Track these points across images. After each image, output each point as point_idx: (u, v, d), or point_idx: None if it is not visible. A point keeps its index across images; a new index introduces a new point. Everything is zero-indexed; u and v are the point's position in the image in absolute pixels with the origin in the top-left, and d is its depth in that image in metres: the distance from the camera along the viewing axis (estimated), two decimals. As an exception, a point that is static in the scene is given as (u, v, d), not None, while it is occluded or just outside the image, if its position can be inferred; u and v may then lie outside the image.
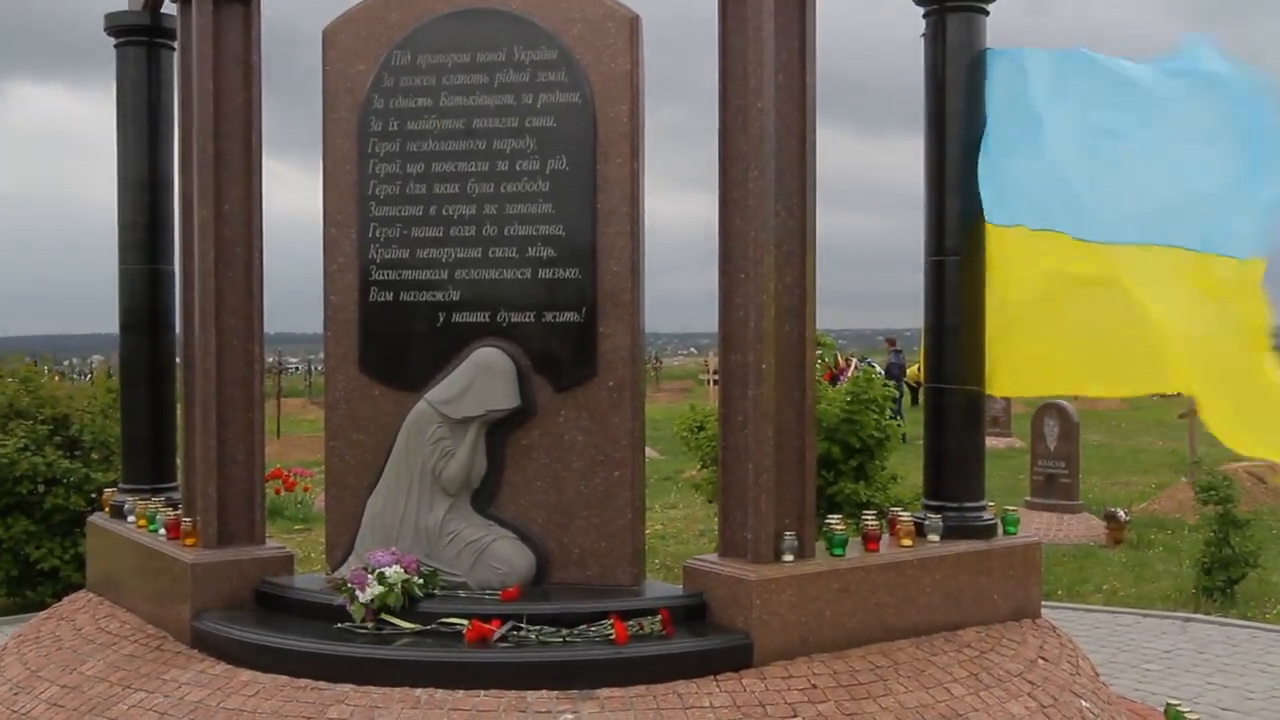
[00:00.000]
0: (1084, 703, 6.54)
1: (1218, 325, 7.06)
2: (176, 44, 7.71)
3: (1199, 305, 7.06)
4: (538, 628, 6.32)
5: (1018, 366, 7.31)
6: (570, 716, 5.74)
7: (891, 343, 35.62)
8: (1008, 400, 24.94)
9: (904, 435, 13.52)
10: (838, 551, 6.76)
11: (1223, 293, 7.11)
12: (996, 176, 7.17)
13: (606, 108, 6.95)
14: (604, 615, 6.36)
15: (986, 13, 7.41)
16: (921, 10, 7.48)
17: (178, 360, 7.96)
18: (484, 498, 7.05)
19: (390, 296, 7.21)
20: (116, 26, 8.19)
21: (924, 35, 7.49)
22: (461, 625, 6.33)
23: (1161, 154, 7.26)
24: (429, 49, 7.16)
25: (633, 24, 6.97)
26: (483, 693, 5.90)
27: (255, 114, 7.36)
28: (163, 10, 8.08)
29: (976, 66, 7.30)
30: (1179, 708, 6.99)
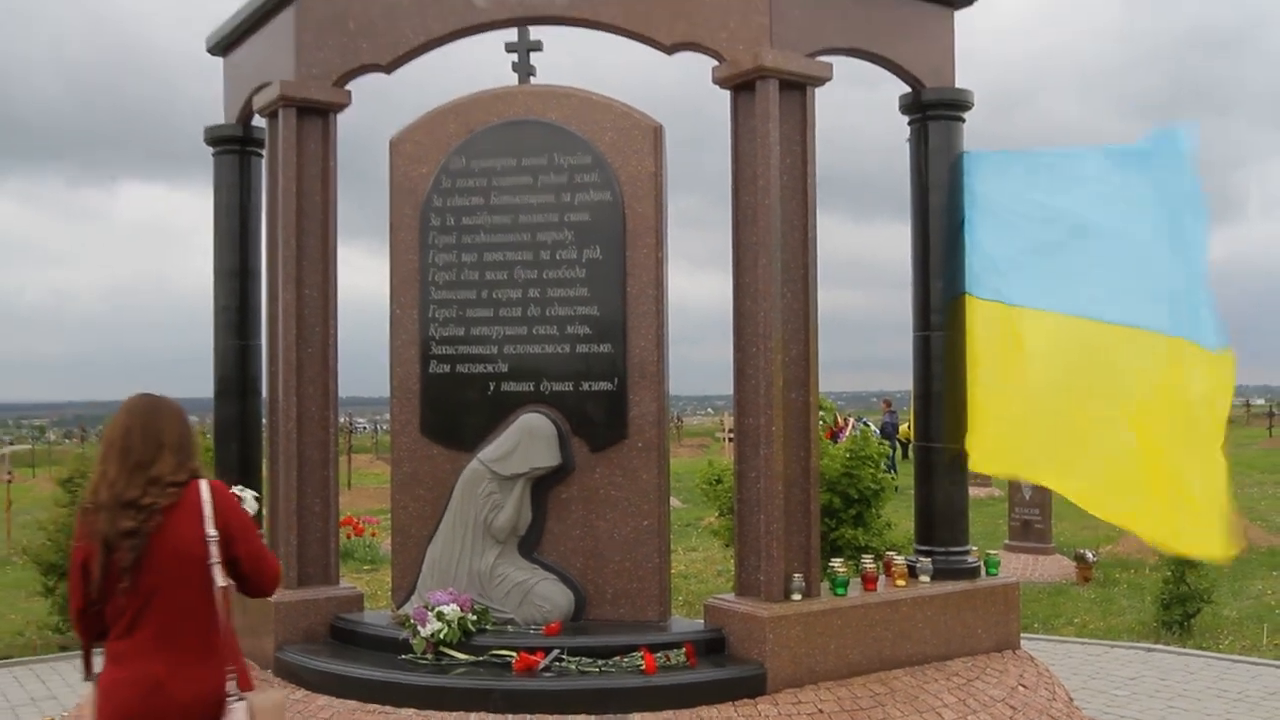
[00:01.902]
0: (1059, 725, 6.46)
1: (1168, 410, 6.62)
2: (264, 152, 7.83)
3: (1156, 389, 6.67)
4: (577, 659, 6.31)
5: (991, 443, 7.03)
6: (606, 738, 5.71)
7: (888, 404, 35.43)
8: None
9: (897, 487, 13.45)
10: (840, 591, 6.72)
11: (1189, 379, 6.65)
12: (977, 256, 7.15)
13: (634, 204, 7.01)
14: (635, 648, 6.34)
15: (963, 120, 7.47)
16: (907, 118, 7.55)
17: (264, 422, 8.01)
18: (529, 544, 7.04)
19: (447, 369, 7.25)
20: (214, 138, 8.29)
21: (909, 140, 7.55)
22: (510, 656, 6.31)
23: (1128, 239, 6.98)
24: (481, 154, 7.25)
25: (656, 133, 7.05)
26: (529, 717, 5.88)
27: (331, 211, 7.44)
28: (253, 123, 8.19)
29: (956, 166, 7.35)
30: (1144, 729, 6.88)
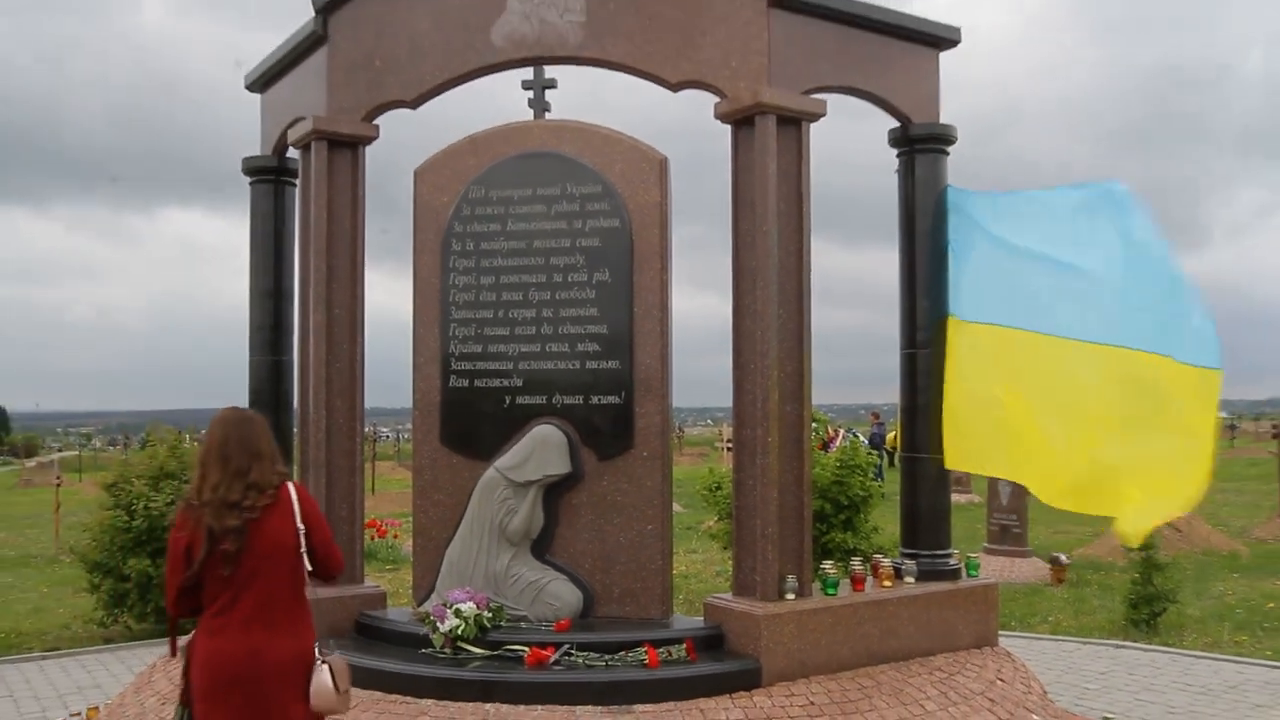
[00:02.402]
0: (1035, 717, 6.45)
1: (1155, 415, 6.52)
2: (298, 181, 7.86)
3: (1140, 395, 6.57)
4: (585, 653, 6.32)
5: (965, 445, 7.14)
6: (612, 727, 5.71)
7: (875, 416, 35.43)
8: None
9: (884, 494, 13.43)
10: (830, 591, 6.73)
11: (1175, 391, 6.51)
12: (961, 280, 7.18)
13: (641, 231, 7.04)
14: (639, 643, 6.35)
15: (948, 153, 7.50)
16: (895, 151, 7.58)
17: (295, 433, 8.03)
18: (541, 546, 7.05)
19: (466, 383, 7.27)
20: (250, 168, 8.33)
21: (897, 171, 7.58)
22: (523, 651, 6.32)
23: (1099, 269, 6.90)
24: (499, 184, 7.28)
25: (662, 164, 7.08)
26: (540, 707, 5.89)
27: (360, 236, 7.47)
28: (287, 155, 8.23)
29: (941, 197, 7.38)
30: (1114, 720, 6.87)
